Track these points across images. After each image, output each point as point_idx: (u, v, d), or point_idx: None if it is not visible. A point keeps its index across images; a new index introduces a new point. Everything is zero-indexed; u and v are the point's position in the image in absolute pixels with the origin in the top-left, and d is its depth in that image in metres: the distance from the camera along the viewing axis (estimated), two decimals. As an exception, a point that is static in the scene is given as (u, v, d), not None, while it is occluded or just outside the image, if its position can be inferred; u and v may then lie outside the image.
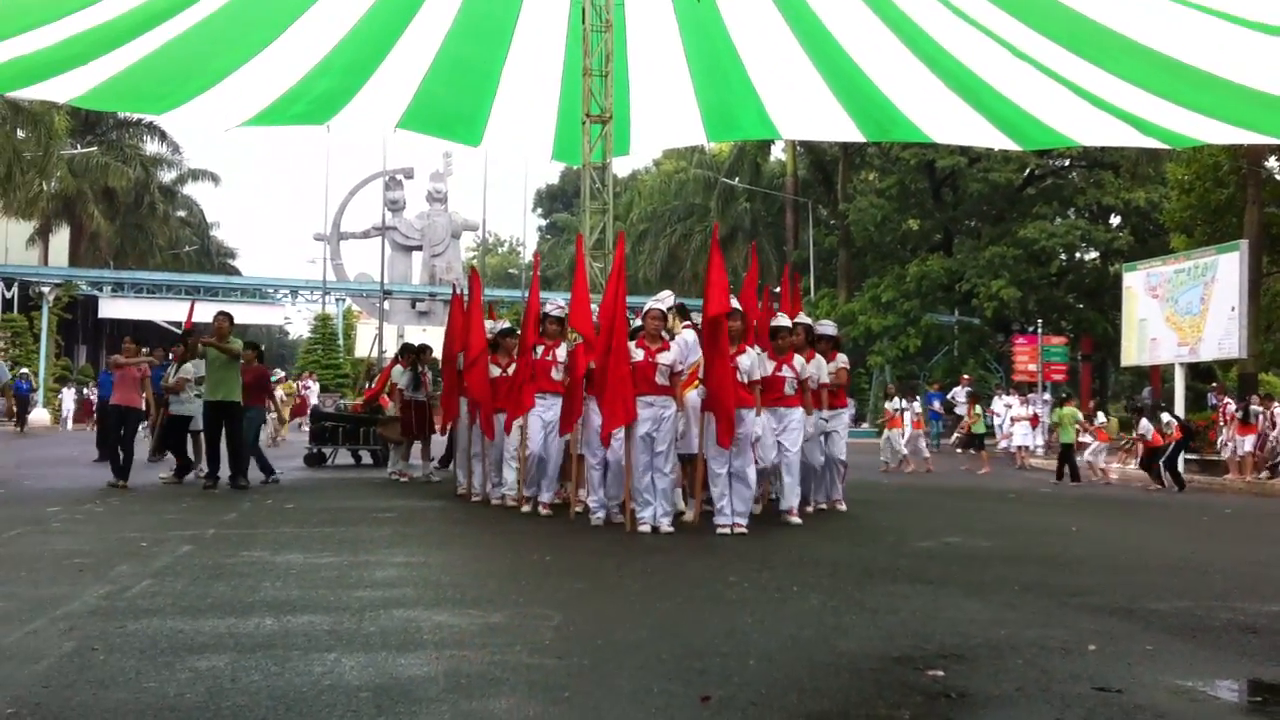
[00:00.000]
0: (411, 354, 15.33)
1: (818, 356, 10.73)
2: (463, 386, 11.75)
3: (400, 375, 15.11)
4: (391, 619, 5.35)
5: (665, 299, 9.64)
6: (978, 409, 20.39)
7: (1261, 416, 19.08)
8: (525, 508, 10.34)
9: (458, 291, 13.01)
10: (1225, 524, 11.88)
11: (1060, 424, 18.46)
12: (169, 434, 14.03)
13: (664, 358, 9.16)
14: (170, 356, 15.40)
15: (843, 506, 11.29)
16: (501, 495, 11.02)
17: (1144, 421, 17.57)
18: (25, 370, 34.61)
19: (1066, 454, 18.09)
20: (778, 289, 13.16)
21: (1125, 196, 36.94)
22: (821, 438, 10.84)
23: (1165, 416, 17.98)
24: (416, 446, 14.99)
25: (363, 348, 46.38)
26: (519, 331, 11.23)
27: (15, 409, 31.68)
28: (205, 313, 50.71)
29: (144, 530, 8.77)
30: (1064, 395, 21.25)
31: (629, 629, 5.21)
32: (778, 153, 49.22)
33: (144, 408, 14.49)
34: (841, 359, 11.49)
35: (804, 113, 15.53)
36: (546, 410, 10.08)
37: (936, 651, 4.80)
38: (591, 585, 6.63)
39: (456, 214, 55.91)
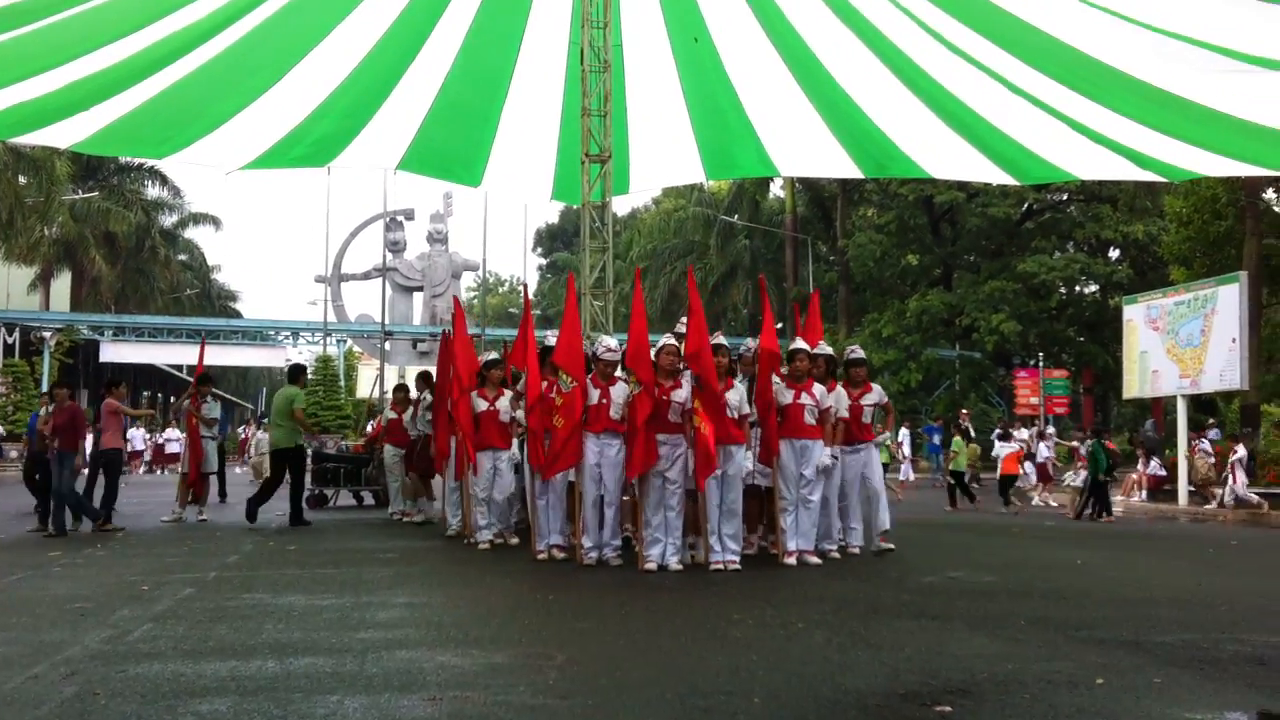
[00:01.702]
0: (404, 391, 15.32)
1: (839, 389, 10.28)
2: (451, 425, 11.68)
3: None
4: (394, 660, 5.32)
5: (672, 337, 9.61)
6: (955, 444, 20.32)
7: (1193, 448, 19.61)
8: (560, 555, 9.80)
9: (446, 332, 12.86)
10: (1231, 556, 11.83)
11: (957, 453, 19.37)
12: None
13: (678, 395, 9.11)
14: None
15: (888, 544, 10.55)
16: (487, 539, 10.74)
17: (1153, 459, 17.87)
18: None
19: (958, 481, 19.04)
20: (779, 325, 13.04)
21: (1124, 230, 37.10)
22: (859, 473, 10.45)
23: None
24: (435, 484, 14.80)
25: (364, 389, 46.38)
26: (503, 363, 11.25)
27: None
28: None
29: (145, 573, 8.74)
30: (965, 428, 22.18)
31: (633, 668, 5.19)
32: (777, 190, 49.50)
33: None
34: (878, 390, 11.00)
35: (802, 150, 15.58)
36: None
37: (943, 687, 4.78)
38: (595, 624, 6.60)
39: (457, 254, 56.00)
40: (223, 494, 17.76)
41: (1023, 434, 24.10)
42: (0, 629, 6.26)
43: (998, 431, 22.60)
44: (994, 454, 21.05)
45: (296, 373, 14.93)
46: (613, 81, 13.89)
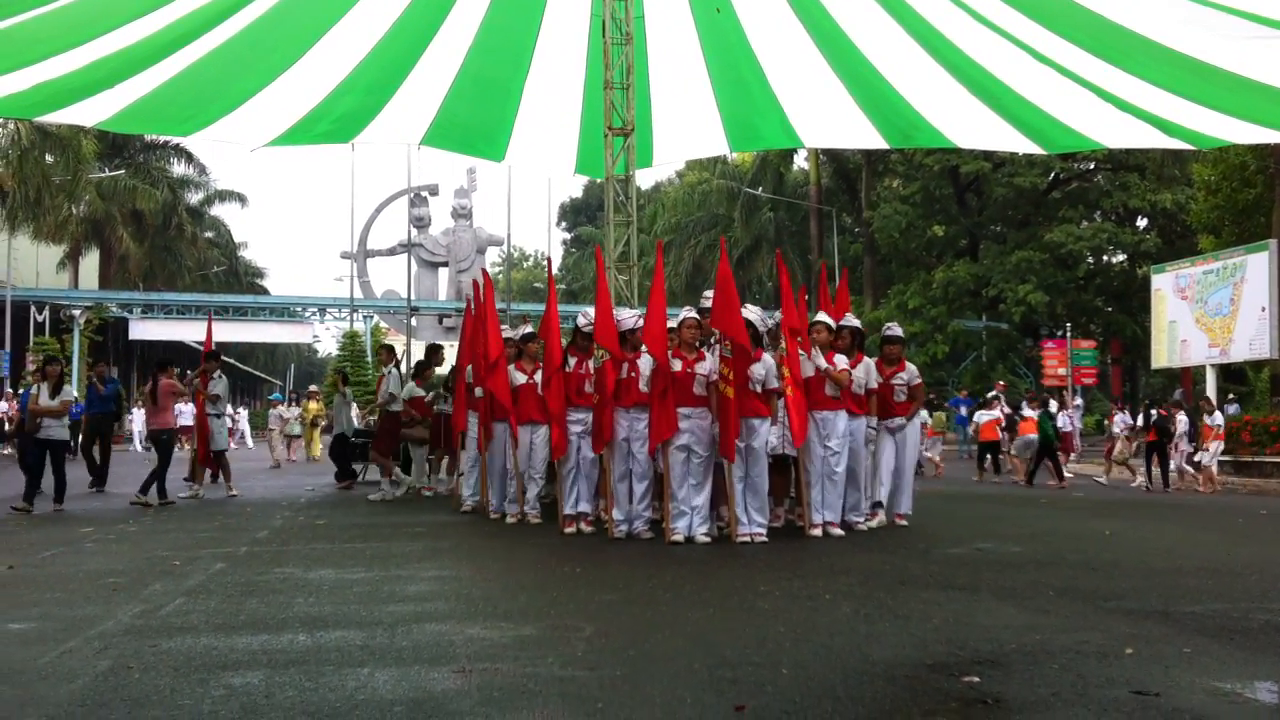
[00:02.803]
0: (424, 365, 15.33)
1: (866, 360, 10.18)
2: (471, 399, 11.63)
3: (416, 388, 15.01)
4: (424, 633, 5.36)
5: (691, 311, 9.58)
6: (979, 416, 20.31)
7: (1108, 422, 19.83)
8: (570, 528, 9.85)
9: (470, 305, 12.72)
10: (1260, 526, 11.76)
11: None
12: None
13: (702, 368, 9.10)
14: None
15: (902, 521, 10.54)
16: (523, 512, 10.66)
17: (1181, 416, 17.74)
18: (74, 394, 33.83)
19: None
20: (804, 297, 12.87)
21: (1151, 199, 36.77)
22: (890, 446, 10.40)
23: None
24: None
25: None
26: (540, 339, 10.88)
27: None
28: (235, 333, 50.57)
29: (176, 549, 8.83)
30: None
31: (661, 640, 5.21)
32: (801, 161, 49.27)
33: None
34: (912, 370, 10.81)
35: (826, 121, 15.50)
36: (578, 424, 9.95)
37: (971, 658, 4.78)
38: (623, 596, 6.62)
39: (481, 229, 55.96)
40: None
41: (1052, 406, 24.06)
42: (34, 604, 6.34)
43: (972, 400, 22.70)
44: (974, 420, 21.07)
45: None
46: (635, 54, 13.86)
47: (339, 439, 17.23)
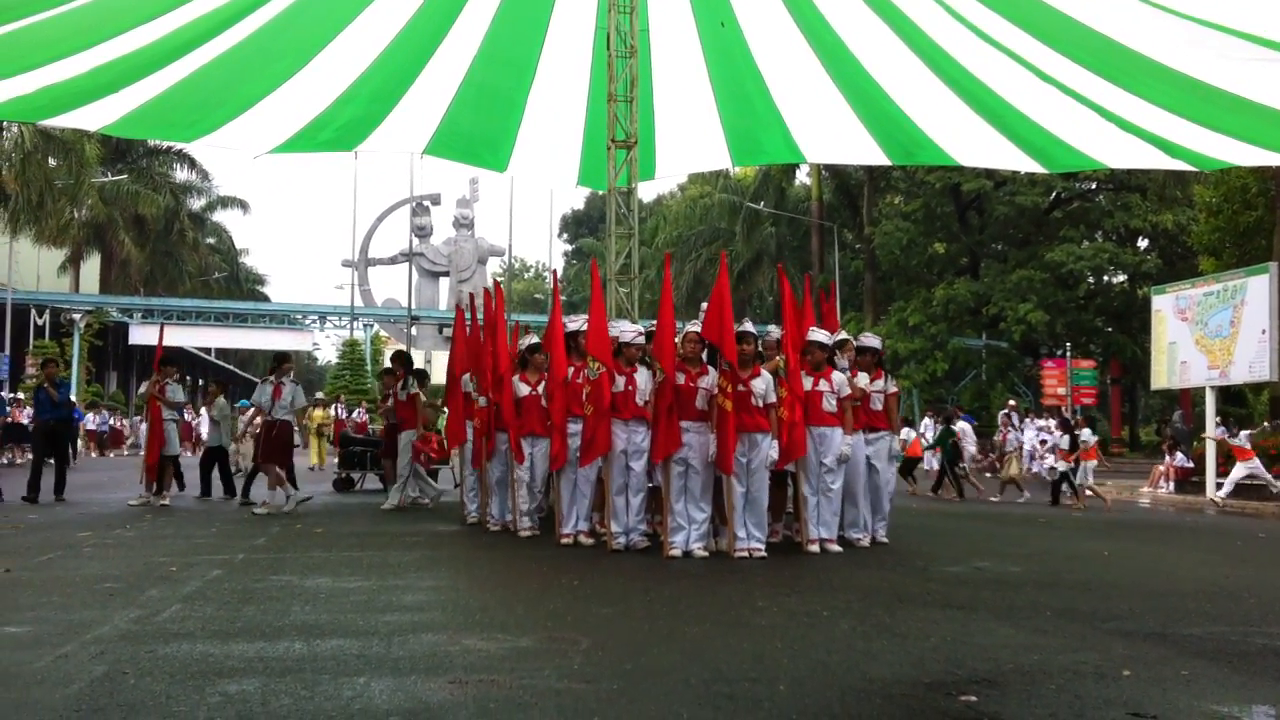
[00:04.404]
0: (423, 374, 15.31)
1: (860, 374, 10.27)
2: (469, 409, 11.59)
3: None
4: (420, 643, 5.35)
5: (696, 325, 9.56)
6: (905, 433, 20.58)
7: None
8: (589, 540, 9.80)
9: (462, 310, 12.59)
10: (1258, 548, 11.75)
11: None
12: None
13: (704, 382, 9.09)
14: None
15: (883, 539, 10.44)
16: (528, 525, 10.56)
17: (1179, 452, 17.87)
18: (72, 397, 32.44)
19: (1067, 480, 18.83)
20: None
21: (1153, 219, 36.80)
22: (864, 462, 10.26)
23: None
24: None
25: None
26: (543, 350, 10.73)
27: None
28: (236, 340, 50.61)
29: (174, 555, 8.81)
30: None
31: (658, 654, 5.20)
32: (803, 177, 49.27)
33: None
34: (890, 381, 10.84)
35: (829, 137, 15.53)
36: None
37: (968, 677, 4.76)
38: (620, 610, 6.60)
39: (483, 240, 56.12)
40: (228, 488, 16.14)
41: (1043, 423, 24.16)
42: (31, 608, 6.32)
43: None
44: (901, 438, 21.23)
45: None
46: (639, 67, 13.88)
47: (212, 452, 16.15)
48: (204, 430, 15.62)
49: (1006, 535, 12.44)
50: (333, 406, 28.94)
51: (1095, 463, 18.26)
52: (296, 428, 14.27)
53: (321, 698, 4.26)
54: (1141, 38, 11.72)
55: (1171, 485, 21.00)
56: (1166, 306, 22.02)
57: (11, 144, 34.53)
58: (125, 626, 5.70)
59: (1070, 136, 13.75)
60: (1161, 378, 22.48)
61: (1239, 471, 18.14)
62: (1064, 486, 17.60)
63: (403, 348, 17.32)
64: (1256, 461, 18.28)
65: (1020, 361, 41.54)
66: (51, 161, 36.22)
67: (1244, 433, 19.06)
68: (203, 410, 15.75)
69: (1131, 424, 46.84)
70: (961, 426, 19.76)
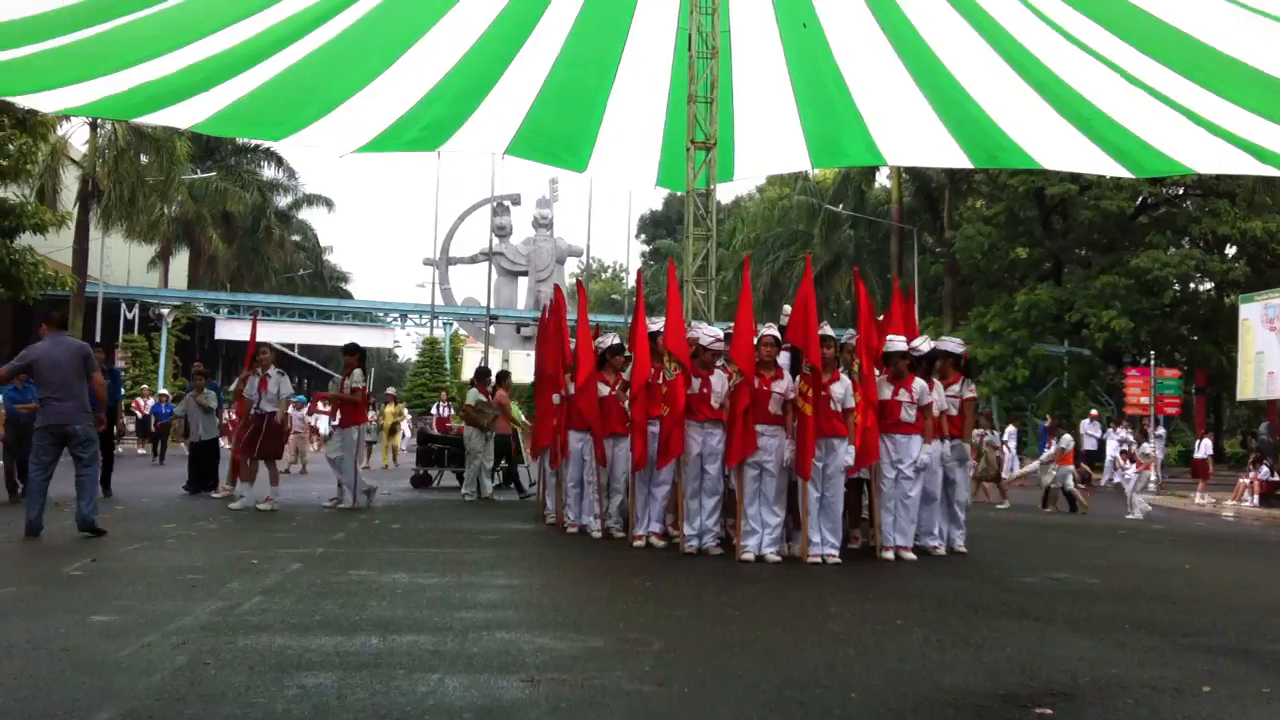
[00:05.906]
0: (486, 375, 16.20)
1: (938, 383, 10.12)
2: (556, 410, 11.62)
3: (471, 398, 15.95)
4: (494, 640, 5.40)
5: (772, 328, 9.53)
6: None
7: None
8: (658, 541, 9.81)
9: (545, 314, 12.60)
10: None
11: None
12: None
13: (779, 386, 9.07)
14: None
15: (961, 548, 10.24)
16: (607, 527, 10.53)
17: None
18: (164, 392, 31.88)
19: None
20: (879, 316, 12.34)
21: (1241, 226, 35.86)
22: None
23: (1147, 446, 17.68)
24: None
25: (468, 372, 47.03)
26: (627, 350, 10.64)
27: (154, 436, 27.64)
28: (318, 336, 51.29)
29: (255, 548, 8.97)
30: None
31: (729, 658, 5.20)
32: (883, 179, 48.82)
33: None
34: (967, 385, 10.66)
35: (910, 139, 15.39)
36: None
37: (1044, 689, 4.70)
38: (692, 612, 6.61)
39: (561, 240, 56.48)
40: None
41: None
42: (117, 597, 6.49)
43: None
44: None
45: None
46: (720, 68, 13.86)
47: (204, 445, 15.46)
48: (197, 423, 15.29)
49: (1085, 547, 12.23)
50: (435, 406, 28.85)
51: (1152, 474, 17.85)
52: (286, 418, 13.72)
53: (396, 693, 4.32)
54: (1230, 40, 11.47)
55: (1256, 499, 20.49)
56: (1254, 315, 21.58)
57: (105, 141, 35.32)
58: (207, 618, 5.82)
59: (1158, 140, 13.49)
60: (1248, 388, 22.05)
61: None
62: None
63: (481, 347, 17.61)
64: None
65: (1103, 369, 40.79)
66: (143, 159, 36.97)
67: None
68: (189, 398, 15.51)
69: (1216, 435, 45.82)
70: (1066, 439, 19.13)
